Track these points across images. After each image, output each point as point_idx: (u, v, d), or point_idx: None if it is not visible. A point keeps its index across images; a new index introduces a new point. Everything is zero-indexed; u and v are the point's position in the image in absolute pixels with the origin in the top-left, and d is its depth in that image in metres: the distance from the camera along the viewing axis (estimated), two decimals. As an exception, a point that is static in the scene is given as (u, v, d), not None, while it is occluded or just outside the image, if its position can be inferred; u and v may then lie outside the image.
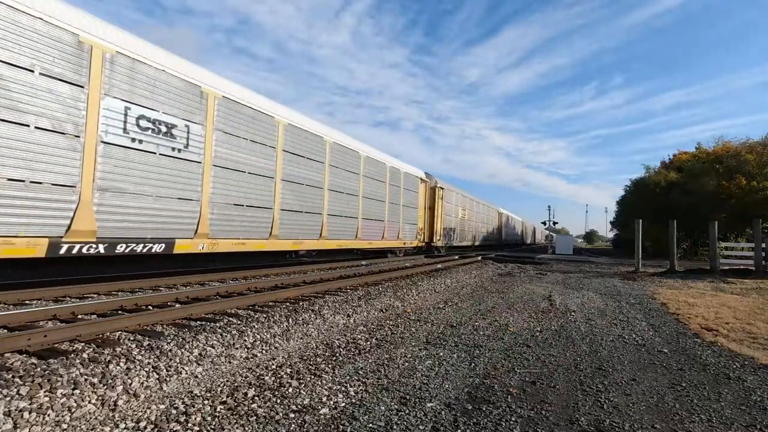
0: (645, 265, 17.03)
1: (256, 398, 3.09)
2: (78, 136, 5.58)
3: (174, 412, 2.82)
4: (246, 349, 4.19)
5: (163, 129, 6.69)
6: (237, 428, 2.63)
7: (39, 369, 3.07)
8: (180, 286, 7.47)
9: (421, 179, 18.56)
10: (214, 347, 4.03)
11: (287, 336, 4.74)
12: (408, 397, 3.24)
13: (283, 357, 4.11)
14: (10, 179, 4.94)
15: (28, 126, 5.10)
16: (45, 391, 2.77)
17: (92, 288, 6.51)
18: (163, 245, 6.66)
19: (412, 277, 10.57)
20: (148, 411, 2.80)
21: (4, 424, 2.42)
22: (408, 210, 16.71)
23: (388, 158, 15.16)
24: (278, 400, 3.06)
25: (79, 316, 4.94)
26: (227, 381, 3.41)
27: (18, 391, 2.71)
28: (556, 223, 45.43)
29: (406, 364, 4.04)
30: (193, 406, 2.90)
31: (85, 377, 3.04)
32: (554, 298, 8.57)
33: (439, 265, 14.49)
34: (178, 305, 5.68)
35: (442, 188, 20.68)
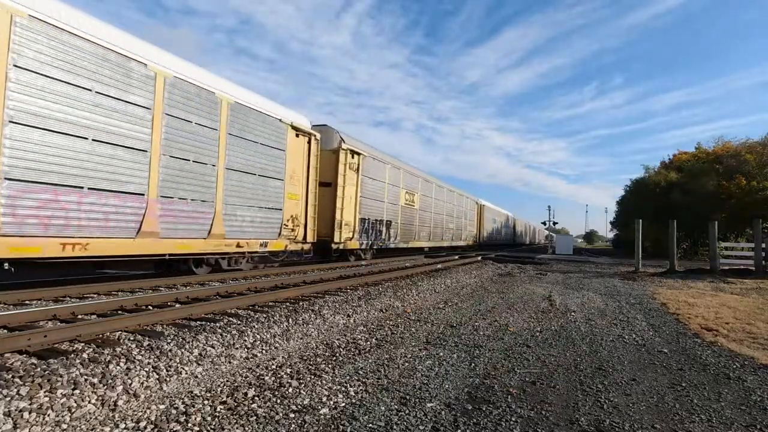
0: (645, 265, 17.02)
1: (256, 398, 3.09)
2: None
3: (174, 412, 2.82)
4: (246, 349, 4.19)
5: None
6: (237, 428, 2.63)
7: (39, 369, 3.07)
8: (180, 286, 7.47)
9: (295, 128, 10.19)
10: (214, 347, 4.03)
11: (287, 336, 4.74)
12: (408, 397, 3.24)
13: (283, 357, 4.11)
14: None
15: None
16: (45, 391, 2.77)
17: (92, 288, 6.51)
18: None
19: (412, 277, 10.57)
20: (148, 411, 2.80)
21: (4, 424, 2.42)
22: (251, 180, 9.05)
23: (179, 63, 7.66)
24: (278, 400, 3.06)
25: (79, 316, 4.94)
26: (227, 381, 3.41)
27: (18, 391, 2.71)
28: (556, 223, 45.26)
29: (406, 364, 4.04)
30: (193, 406, 2.90)
31: (85, 377, 3.03)
32: (554, 298, 8.57)
33: (439, 266, 14.51)
34: (178, 305, 5.68)
35: (358, 154, 12.98)
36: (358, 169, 13.38)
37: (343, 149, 12.61)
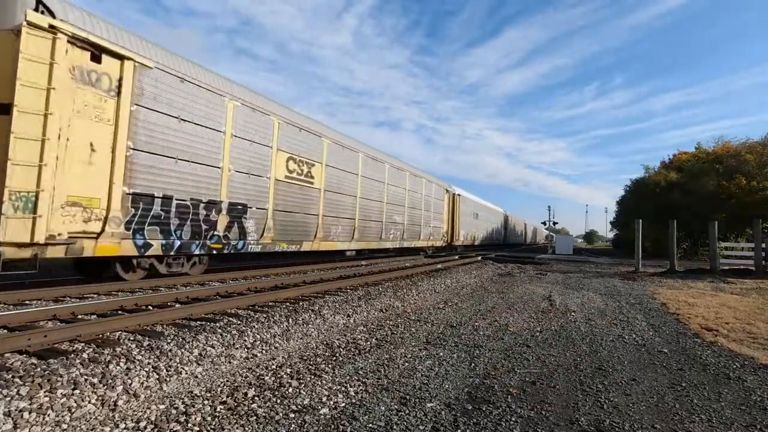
0: (645, 265, 17.03)
1: (256, 398, 3.09)
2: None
3: (174, 412, 2.82)
4: (246, 349, 4.19)
5: None
6: (237, 428, 2.63)
7: (39, 369, 3.07)
8: (180, 286, 7.47)
9: None
10: (214, 347, 4.03)
11: (287, 336, 4.74)
12: (408, 397, 3.24)
13: (283, 357, 4.11)
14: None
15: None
16: (45, 391, 2.77)
17: (92, 288, 6.51)
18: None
19: (412, 277, 10.57)
20: (148, 411, 2.80)
21: (4, 424, 2.41)
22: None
23: None
24: (278, 400, 3.06)
25: (79, 316, 4.94)
26: (227, 381, 3.41)
27: (18, 391, 2.71)
28: (556, 223, 45.13)
29: (406, 364, 4.04)
30: (193, 406, 2.90)
31: (85, 377, 3.04)
32: (554, 298, 8.57)
33: (439, 266, 14.51)
34: (178, 305, 5.68)
35: (119, 56, 6.45)
36: (120, 88, 6.48)
37: (39, 28, 5.56)
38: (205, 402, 2.98)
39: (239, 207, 8.83)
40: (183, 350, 3.82)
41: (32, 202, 5.49)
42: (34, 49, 5.54)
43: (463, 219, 25.13)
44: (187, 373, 3.47)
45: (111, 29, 6.54)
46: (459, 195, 24.75)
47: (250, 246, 9.13)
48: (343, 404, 3.06)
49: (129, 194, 6.69)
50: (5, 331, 4.21)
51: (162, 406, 2.88)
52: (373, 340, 4.87)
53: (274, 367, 3.79)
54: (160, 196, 7.20)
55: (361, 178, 13.78)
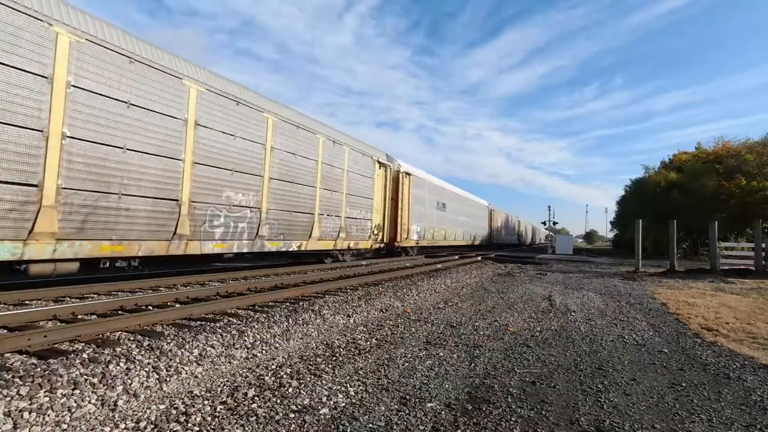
0: (645, 265, 17.02)
1: (256, 398, 3.09)
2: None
3: (174, 412, 2.82)
4: (246, 349, 4.19)
5: None
6: (237, 428, 2.63)
7: (39, 369, 3.07)
8: (180, 286, 7.47)
9: None
10: (214, 347, 4.03)
11: (287, 336, 4.74)
12: (408, 397, 3.24)
13: (283, 357, 4.11)
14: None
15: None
16: (45, 391, 2.77)
17: (92, 288, 6.51)
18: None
19: (412, 277, 10.57)
20: (148, 411, 2.80)
21: (4, 424, 2.41)
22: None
23: None
24: (278, 400, 3.06)
25: (79, 316, 4.94)
26: (227, 381, 3.41)
27: (18, 391, 2.71)
28: (556, 223, 45.04)
29: (406, 364, 4.04)
30: (193, 406, 2.90)
31: (85, 377, 3.04)
32: (554, 298, 8.57)
33: (439, 266, 14.51)
34: (178, 305, 5.68)
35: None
36: None
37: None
38: (205, 402, 2.98)
39: None
40: (183, 350, 3.82)
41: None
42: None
43: (416, 209, 17.69)
44: (187, 373, 3.47)
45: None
46: (408, 174, 16.88)
47: None
48: (343, 404, 3.06)
49: None
50: (5, 331, 4.21)
51: (162, 406, 2.88)
52: (373, 340, 4.87)
53: (274, 367, 3.79)
54: None
55: (73, 91, 5.83)
